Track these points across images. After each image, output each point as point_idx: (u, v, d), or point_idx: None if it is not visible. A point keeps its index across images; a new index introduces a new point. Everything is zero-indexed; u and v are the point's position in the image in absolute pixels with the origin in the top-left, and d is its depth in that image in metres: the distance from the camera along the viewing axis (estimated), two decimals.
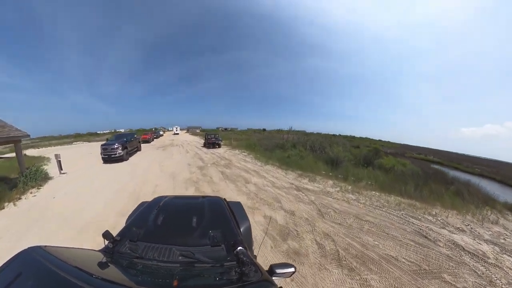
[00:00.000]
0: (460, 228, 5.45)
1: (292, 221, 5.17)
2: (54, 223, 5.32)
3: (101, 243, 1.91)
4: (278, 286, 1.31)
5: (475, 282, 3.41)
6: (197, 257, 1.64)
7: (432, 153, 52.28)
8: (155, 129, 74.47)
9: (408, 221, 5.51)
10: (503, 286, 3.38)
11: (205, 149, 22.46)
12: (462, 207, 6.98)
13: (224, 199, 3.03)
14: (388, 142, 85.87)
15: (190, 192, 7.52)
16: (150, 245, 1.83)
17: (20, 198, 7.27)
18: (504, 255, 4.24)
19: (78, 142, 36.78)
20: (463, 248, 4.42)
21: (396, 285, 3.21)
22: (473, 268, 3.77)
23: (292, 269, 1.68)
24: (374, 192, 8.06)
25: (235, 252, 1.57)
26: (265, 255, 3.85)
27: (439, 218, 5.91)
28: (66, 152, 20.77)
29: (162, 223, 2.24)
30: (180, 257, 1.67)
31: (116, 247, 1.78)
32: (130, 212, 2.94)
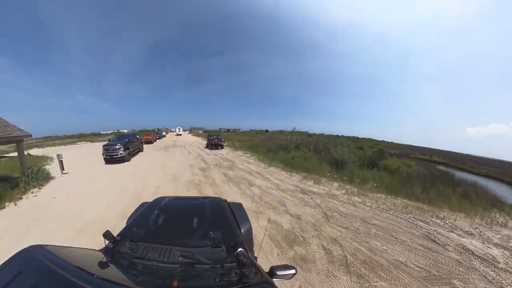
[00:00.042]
0: (469, 232, 5.36)
1: (298, 226, 5.11)
2: (54, 223, 5.36)
3: (101, 244, 1.92)
4: None
5: None
6: (197, 258, 1.64)
7: (436, 153, 51.76)
8: (158, 130, 74.82)
9: (416, 224, 5.44)
10: None
11: (207, 150, 22.43)
12: (470, 210, 6.89)
13: (225, 200, 3.03)
14: (391, 142, 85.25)
15: (192, 195, 7.47)
16: (151, 245, 1.84)
17: (21, 198, 7.32)
18: None
19: (81, 142, 37.05)
20: (473, 253, 4.35)
21: None
22: (483, 274, 3.70)
23: (293, 271, 1.68)
24: (380, 195, 7.98)
25: (235, 253, 1.56)
26: (272, 262, 3.81)
27: (447, 221, 5.83)
28: (69, 152, 20.94)
29: (162, 224, 2.25)
30: (180, 258, 1.68)
31: (116, 247, 1.79)
32: (130, 214, 2.95)
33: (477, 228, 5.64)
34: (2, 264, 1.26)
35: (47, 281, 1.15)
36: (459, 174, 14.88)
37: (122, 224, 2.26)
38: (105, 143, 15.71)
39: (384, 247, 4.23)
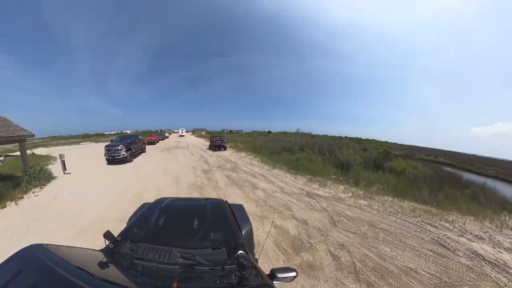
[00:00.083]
0: (479, 236, 5.27)
1: (304, 231, 5.04)
2: (55, 223, 5.41)
3: (101, 245, 1.92)
4: None
5: None
6: (197, 260, 1.64)
7: (441, 154, 51.13)
8: (161, 130, 75.28)
9: (425, 228, 5.37)
10: None
11: (210, 152, 22.44)
12: (479, 213, 6.77)
13: (226, 201, 3.02)
14: (395, 143, 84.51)
15: None
16: (151, 246, 1.84)
17: (22, 197, 7.40)
18: None
19: (85, 142, 37.52)
20: (483, 258, 4.27)
21: None
22: (495, 280, 3.63)
23: (293, 274, 1.68)
24: (386, 197, 7.90)
25: (236, 255, 1.55)
26: None
27: (456, 225, 5.74)
28: (73, 152, 21.18)
29: (163, 225, 2.26)
30: (180, 259, 1.68)
31: (116, 247, 1.80)
32: (131, 215, 2.96)
33: (487, 232, 5.54)
34: (2, 263, 1.27)
35: (47, 280, 1.15)
36: (466, 176, 14.66)
37: (121, 226, 2.26)
38: (107, 143, 15.73)
39: (394, 253, 4.17)
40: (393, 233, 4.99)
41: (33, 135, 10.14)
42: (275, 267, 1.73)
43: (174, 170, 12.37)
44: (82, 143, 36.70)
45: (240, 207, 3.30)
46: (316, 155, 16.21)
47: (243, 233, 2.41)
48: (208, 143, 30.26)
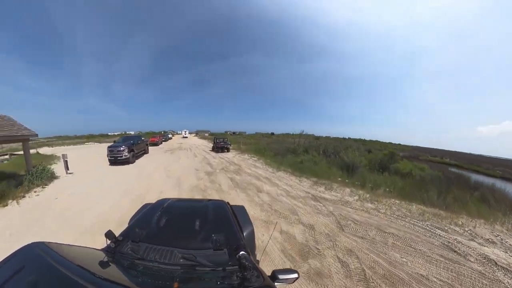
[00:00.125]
0: (490, 240, 5.18)
1: (312, 237, 4.94)
2: (55, 224, 5.44)
3: (101, 246, 1.92)
4: None
5: None
6: (198, 260, 1.64)
7: (447, 155, 50.48)
8: (164, 132, 75.79)
9: (435, 233, 5.28)
10: None
11: (213, 153, 22.42)
12: (489, 215, 6.66)
13: (228, 202, 3.02)
14: (399, 144, 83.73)
15: None
16: (152, 246, 1.85)
17: (24, 197, 7.45)
18: None
19: (89, 143, 37.94)
20: (496, 263, 4.19)
21: None
22: (508, 286, 3.56)
23: (295, 275, 1.67)
24: (393, 200, 7.80)
25: (237, 256, 1.54)
26: None
27: (466, 229, 5.64)
28: (77, 152, 21.38)
29: (164, 225, 2.26)
30: (181, 260, 1.68)
31: (118, 247, 1.80)
32: (133, 215, 2.97)
33: (498, 235, 5.44)
34: (3, 259, 1.28)
35: (48, 278, 1.16)
36: (474, 177, 14.43)
37: (122, 228, 2.25)
38: (110, 144, 15.76)
39: (404, 259, 4.11)
40: (402, 238, 4.92)
41: (36, 135, 10.25)
42: (277, 269, 1.72)
43: (177, 172, 12.30)
44: (87, 143, 37.12)
45: (241, 208, 3.31)
46: (321, 157, 16.10)
47: (244, 234, 2.40)
48: (211, 145, 30.28)
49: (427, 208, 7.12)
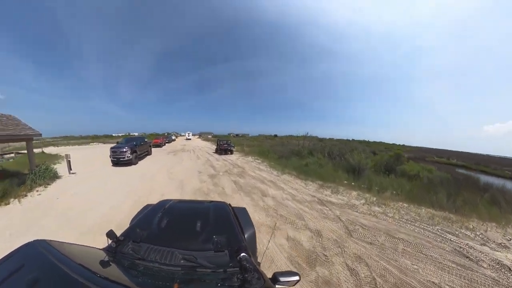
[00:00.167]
0: (503, 244, 5.06)
1: (319, 243, 4.84)
2: (55, 224, 5.46)
3: (101, 246, 1.92)
4: None
5: None
6: (199, 262, 1.63)
7: (453, 155, 49.70)
8: (168, 134, 76.39)
9: (446, 238, 5.17)
10: None
11: (216, 156, 22.40)
12: (501, 218, 6.51)
13: (229, 204, 3.01)
14: (403, 145, 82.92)
15: None
16: (153, 247, 1.85)
17: (25, 195, 7.49)
18: None
19: (94, 143, 38.49)
20: (510, 269, 4.09)
21: None
22: None
23: (296, 278, 1.66)
24: (401, 203, 7.68)
25: (238, 258, 1.53)
26: None
27: (477, 233, 5.53)
28: (81, 152, 21.64)
29: (166, 226, 2.26)
30: (182, 261, 1.67)
31: (119, 247, 1.81)
32: (134, 215, 2.97)
33: (510, 239, 5.32)
34: (4, 257, 1.29)
35: (49, 276, 1.16)
36: (483, 178, 14.16)
37: (123, 229, 2.26)
38: (113, 145, 15.80)
39: (415, 266, 4.02)
40: (412, 244, 4.82)
41: (40, 134, 10.39)
42: (278, 271, 1.71)
43: (180, 174, 12.23)
44: (91, 143, 37.63)
45: (243, 210, 3.30)
46: (326, 160, 15.99)
47: (246, 236, 2.40)
48: (214, 147, 30.31)
49: (437, 211, 6.99)
